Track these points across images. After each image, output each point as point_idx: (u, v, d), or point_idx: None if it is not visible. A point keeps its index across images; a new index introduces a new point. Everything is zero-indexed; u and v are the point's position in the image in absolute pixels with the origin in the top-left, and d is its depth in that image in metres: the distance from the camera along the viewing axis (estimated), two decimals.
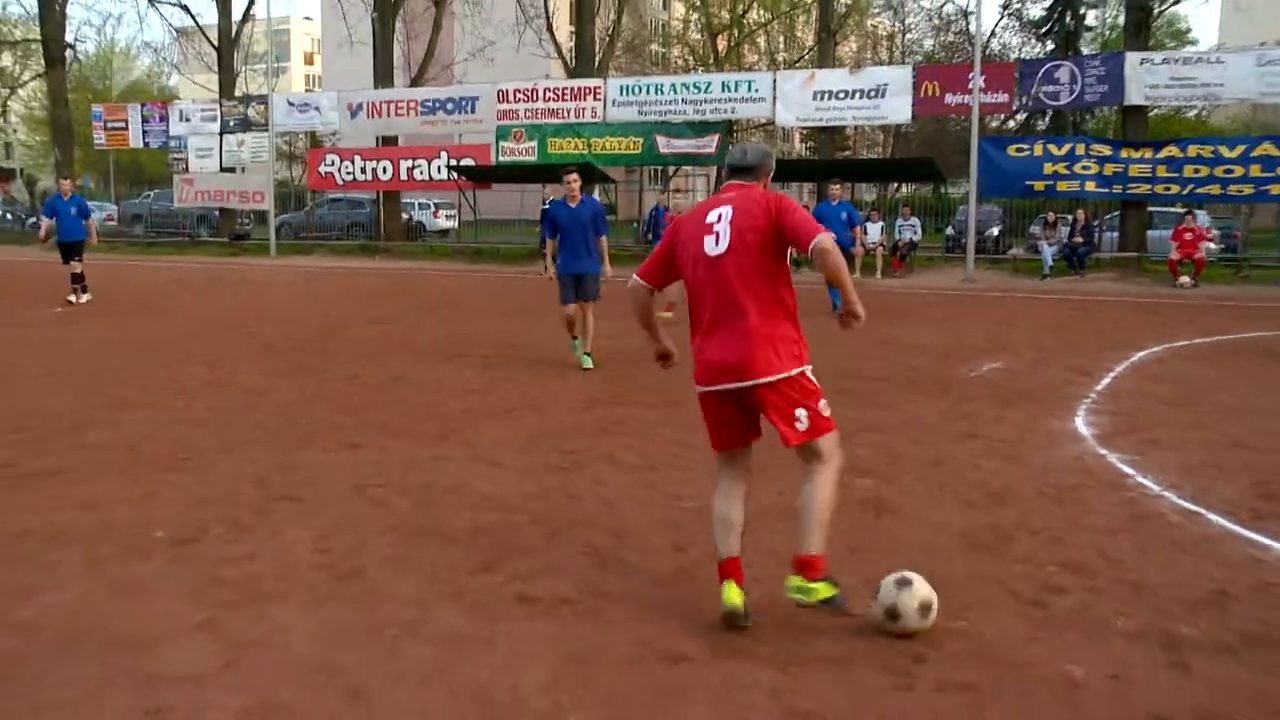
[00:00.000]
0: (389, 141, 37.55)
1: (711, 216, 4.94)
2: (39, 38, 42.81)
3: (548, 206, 11.24)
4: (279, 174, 41.41)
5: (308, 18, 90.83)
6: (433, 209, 43.04)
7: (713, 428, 5.07)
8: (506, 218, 37.94)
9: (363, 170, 36.73)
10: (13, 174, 59.21)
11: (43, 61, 43.23)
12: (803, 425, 4.84)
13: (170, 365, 12.20)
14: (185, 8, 48.30)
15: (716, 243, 4.88)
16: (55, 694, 4.19)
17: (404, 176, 36.24)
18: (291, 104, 39.03)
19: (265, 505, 6.66)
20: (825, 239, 4.72)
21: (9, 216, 49.35)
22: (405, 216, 39.86)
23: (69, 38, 43.73)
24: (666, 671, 4.37)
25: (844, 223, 17.71)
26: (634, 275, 5.25)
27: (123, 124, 41.10)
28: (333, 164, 37.41)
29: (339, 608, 5.03)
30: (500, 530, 6.14)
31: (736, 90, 32.05)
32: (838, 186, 17.51)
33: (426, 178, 35.90)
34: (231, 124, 38.80)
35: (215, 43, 41.22)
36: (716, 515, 4.97)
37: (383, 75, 37.92)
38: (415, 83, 38.92)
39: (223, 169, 39.27)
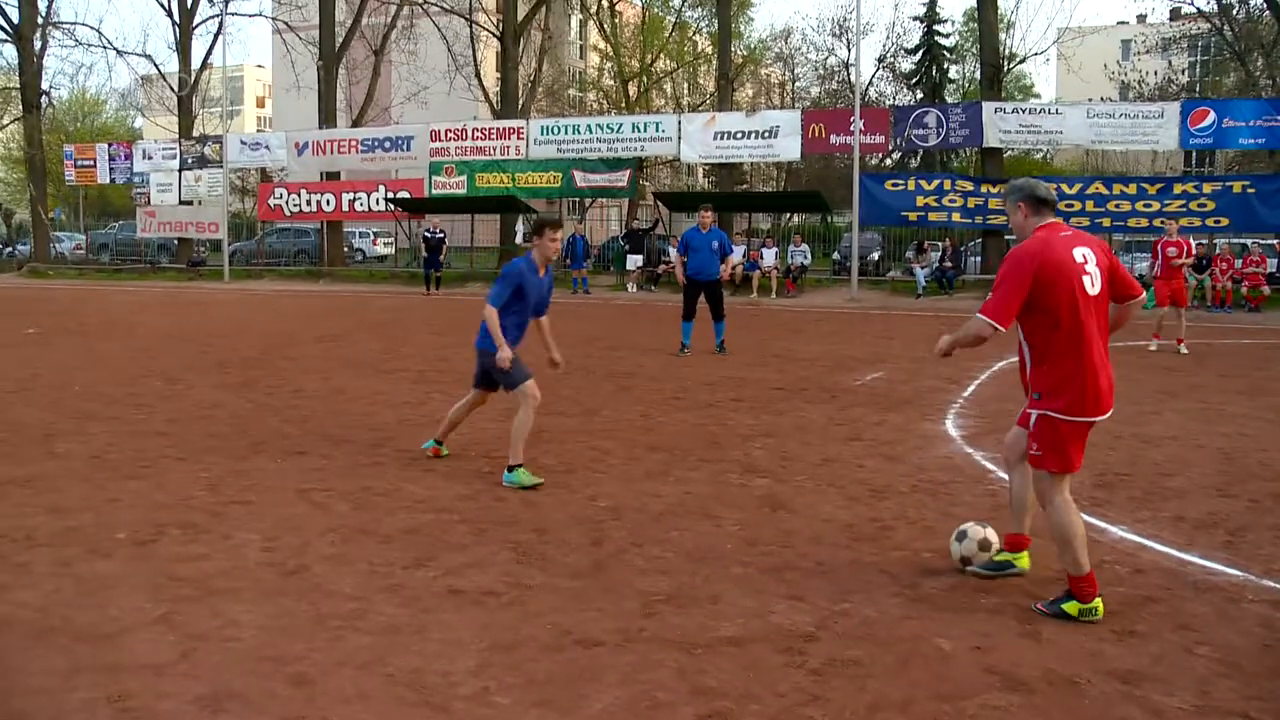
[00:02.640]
0: (332, 176, 37.21)
1: (1079, 255, 4.72)
2: (18, 86, 42.02)
3: (512, 268, 7.37)
4: (232, 206, 40.85)
5: (260, 65, 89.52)
6: (372, 237, 42.71)
7: (1077, 451, 4.80)
8: None
9: (308, 202, 36.43)
10: None
11: (20, 107, 42.40)
12: None
13: (132, 381, 11.91)
14: (149, 57, 47.49)
15: (1093, 284, 4.71)
16: (27, 682, 4.08)
17: (345, 208, 36.03)
18: (244, 143, 38.59)
19: (217, 509, 6.52)
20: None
21: None
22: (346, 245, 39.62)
23: (45, 85, 42.93)
24: (583, 656, 4.34)
25: (715, 252, 14.54)
26: (988, 320, 4.68)
27: (91, 162, 40.46)
28: (281, 197, 37.04)
29: (285, 602, 4.93)
30: (432, 529, 6.06)
31: (645, 130, 32.26)
32: (708, 214, 14.97)
33: (366, 209, 35.73)
34: (190, 161, 38.25)
35: (176, 88, 40.64)
36: (1079, 531, 4.82)
37: (327, 117, 37.70)
38: (356, 123, 38.69)
39: (181, 202, 38.70)
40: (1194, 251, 15.82)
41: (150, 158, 39.18)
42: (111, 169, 40.08)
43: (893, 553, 5.66)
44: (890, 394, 11.11)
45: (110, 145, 41.65)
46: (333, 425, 9.34)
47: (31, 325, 18.46)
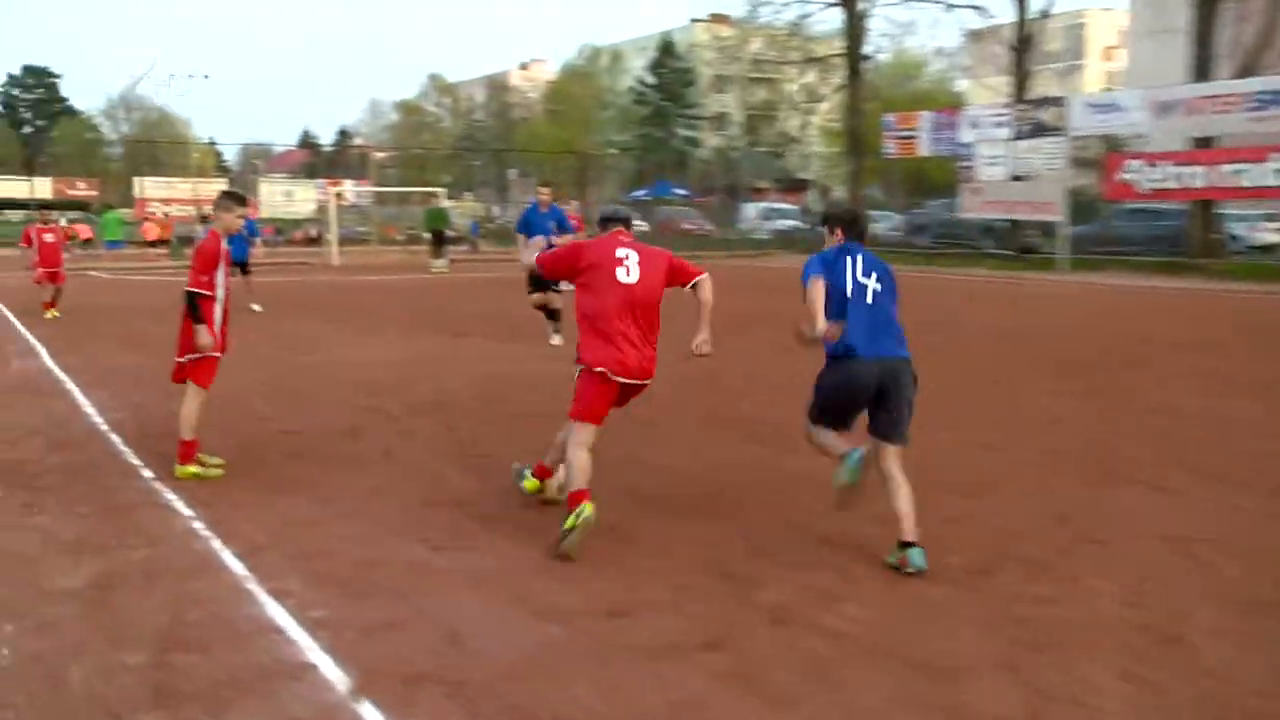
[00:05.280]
0: (1202, 143, 35.81)
1: (620, 253, 6.62)
2: (843, 52, 45.99)
3: None
4: (1072, 182, 41.07)
5: (1106, 9, 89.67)
6: (1256, 222, 40.31)
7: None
8: None
9: (1172, 177, 35.39)
10: (805, 184, 64.30)
11: (844, 74, 46.34)
12: None
13: (963, 383, 12.40)
14: (980, 8, 49.64)
15: (628, 274, 6.55)
16: (856, 699, 4.58)
17: (1221, 183, 34.36)
18: (1090, 105, 38.61)
19: (1064, 545, 6.59)
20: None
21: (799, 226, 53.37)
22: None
23: (867, 49, 46.66)
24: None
25: None
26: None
27: (912, 132, 42.96)
28: (1135, 170, 36.45)
29: (1155, 673, 4.77)
30: None
31: None
32: None
33: (1251, 184, 33.72)
34: (1023, 129, 39.02)
35: (1015, 43, 41.86)
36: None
37: (1200, 67, 36.26)
38: (1245, 73, 36.60)
39: (1014, 177, 39.60)
40: None
41: (977, 126, 40.57)
42: (935, 140, 42.31)
43: None
44: None
45: (934, 114, 44.04)
46: (1202, 455, 8.98)
47: None
